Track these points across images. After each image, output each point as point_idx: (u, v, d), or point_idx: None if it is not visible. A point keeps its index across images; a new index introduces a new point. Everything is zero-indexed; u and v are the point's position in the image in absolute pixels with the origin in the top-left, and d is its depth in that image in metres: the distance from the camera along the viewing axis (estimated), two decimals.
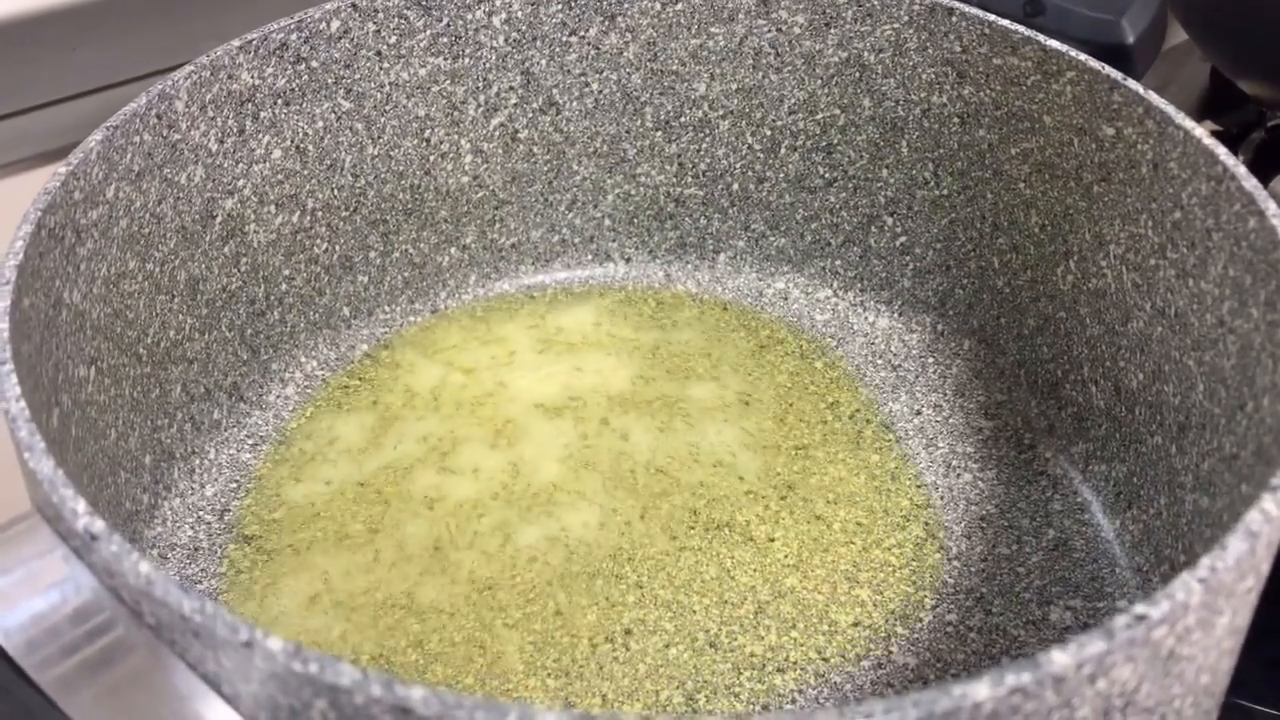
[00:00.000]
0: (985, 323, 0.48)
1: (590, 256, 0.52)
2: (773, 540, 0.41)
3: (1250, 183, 0.35)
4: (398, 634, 0.38)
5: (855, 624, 0.38)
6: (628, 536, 0.41)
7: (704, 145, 0.50)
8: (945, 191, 0.47)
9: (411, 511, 0.41)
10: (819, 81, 0.48)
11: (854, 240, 0.50)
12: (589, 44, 0.48)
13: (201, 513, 0.41)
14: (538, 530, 0.41)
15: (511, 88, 0.48)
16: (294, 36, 0.43)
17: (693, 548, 0.40)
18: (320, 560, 0.40)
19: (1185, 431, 0.38)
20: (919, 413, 0.46)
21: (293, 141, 0.44)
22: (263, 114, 0.43)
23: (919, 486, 0.43)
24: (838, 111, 0.48)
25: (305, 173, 0.45)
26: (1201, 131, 0.37)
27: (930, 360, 0.48)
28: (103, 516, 0.25)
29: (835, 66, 0.47)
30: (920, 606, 0.39)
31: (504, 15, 0.47)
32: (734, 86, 0.49)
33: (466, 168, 0.49)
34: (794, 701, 0.36)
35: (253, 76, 0.42)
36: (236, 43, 0.42)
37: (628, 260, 0.52)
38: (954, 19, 0.44)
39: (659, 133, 0.50)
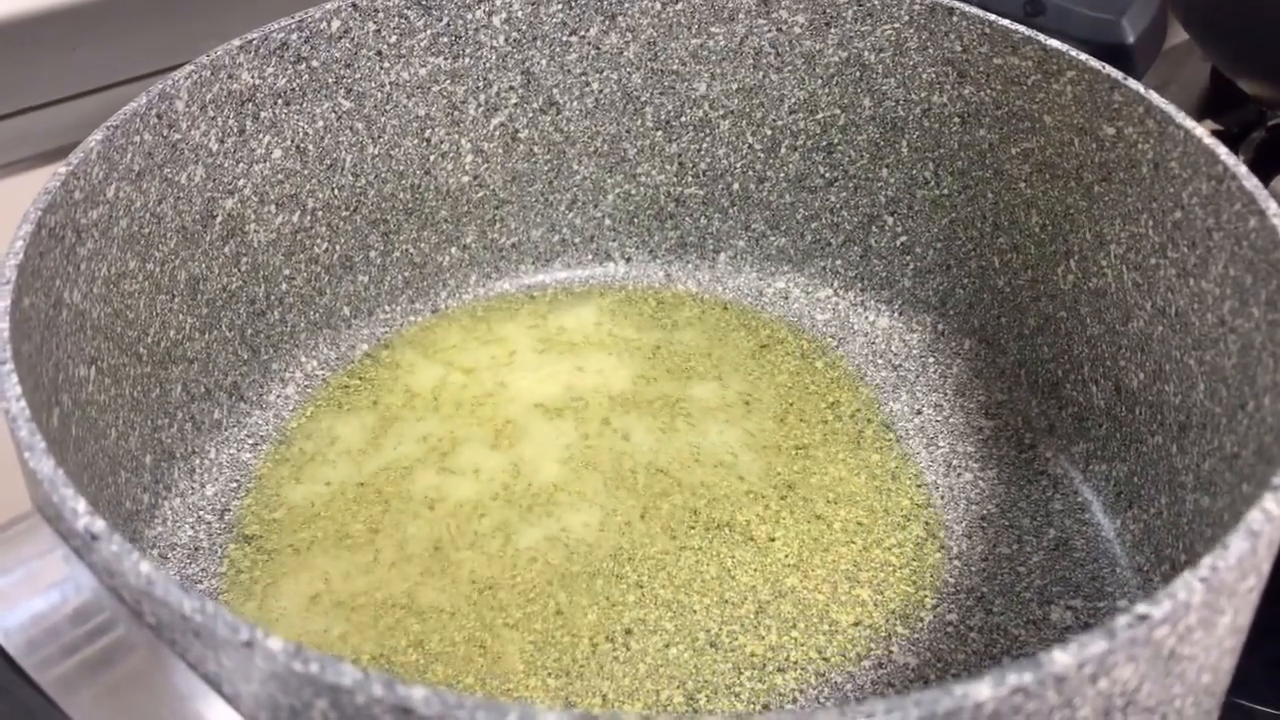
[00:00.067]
0: (986, 322, 0.48)
1: (591, 256, 0.52)
2: (773, 540, 0.41)
3: (1251, 182, 0.35)
4: (398, 634, 0.38)
5: (856, 623, 0.38)
6: (628, 536, 0.41)
7: (704, 145, 0.50)
8: (946, 191, 0.47)
9: (412, 512, 0.41)
10: (819, 81, 0.48)
11: (854, 240, 0.50)
12: (589, 44, 0.48)
13: (202, 512, 0.41)
14: (538, 530, 0.41)
15: (512, 87, 0.48)
16: (294, 36, 0.43)
17: (693, 547, 0.40)
18: (321, 560, 0.40)
19: (1186, 431, 0.38)
20: (919, 412, 0.46)
21: (293, 141, 0.44)
22: (263, 114, 0.43)
23: (919, 486, 0.43)
24: (838, 111, 0.48)
25: (305, 172, 0.45)
26: (1202, 131, 0.37)
27: (931, 360, 0.48)
28: (103, 516, 0.25)
29: (836, 66, 0.47)
30: (921, 606, 0.39)
31: (504, 15, 0.47)
32: (734, 86, 0.49)
33: (467, 167, 0.49)
34: (795, 701, 0.36)
35: (253, 76, 0.42)
36: (237, 42, 0.42)
37: (628, 260, 0.52)
38: (954, 19, 0.44)
39: (659, 132, 0.50)
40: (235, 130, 0.42)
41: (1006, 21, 0.43)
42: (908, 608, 0.39)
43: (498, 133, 0.49)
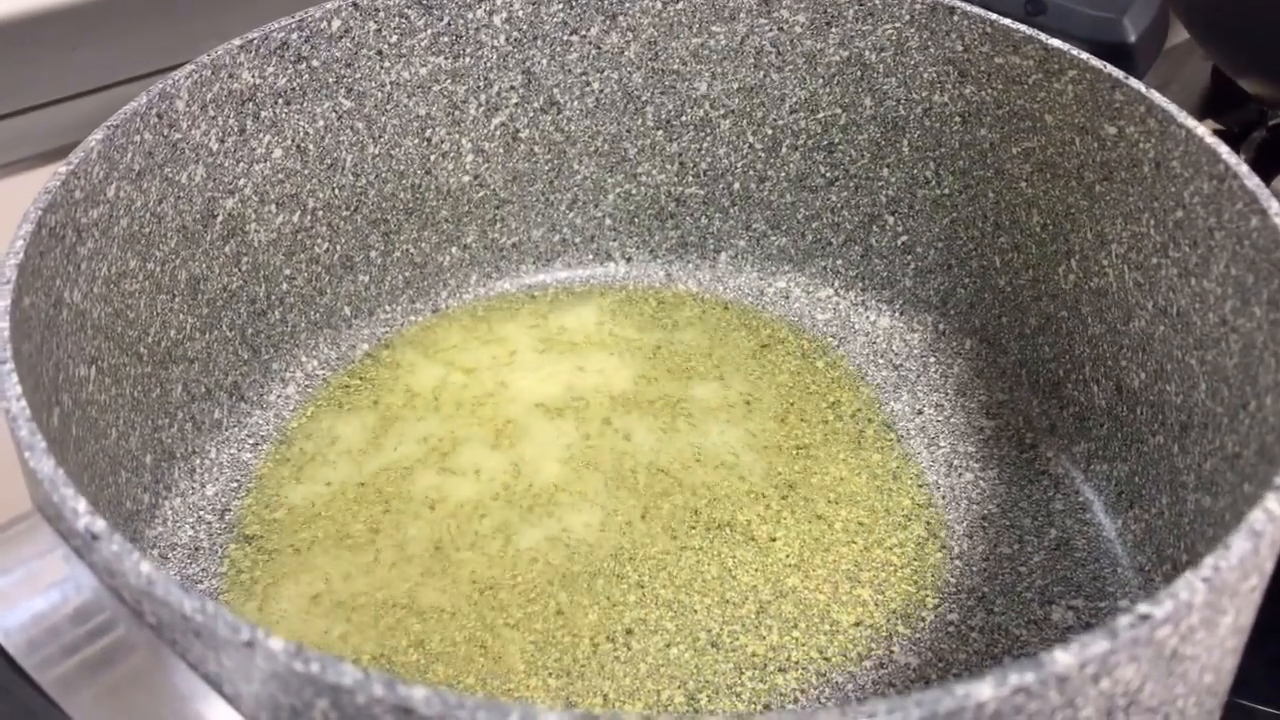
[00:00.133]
0: (987, 322, 0.48)
1: (591, 256, 0.52)
2: (774, 540, 0.41)
3: (1252, 181, 0.35)
4: (399, 634, 0.38)
5: (857, 623, 0.38)
6: (629, 536, 0.41)
7: (705, 144, 0.50)
8: (947, 190, 0.47)
9: (412, 512, 0.41)
10: (820, 80, 0.48)
11: (855, 239, 0.50)
12: (590, 43, 0.48)
13: (202, 512, 0.41)
14: (539, 531, 0.41)
15: (512, 87, 0.48)
16: (295, 35, 0.43)
17: (694, 547, 0.40)
18: (321, 560, 0.40)
19: (1187, 431, 0.38)
20: (921, 412, 0.46)
21: (293, 141, 0.44)
22: (264, 113, 0.43)
23: (920, 486, 0.43)
24: (839, 110, 0.48)
25: (306, 172, 0.45)
26: (1203, 130, 0.37)
27: (932, 359, 0.48)
28: (103, 516, 0.25)
29: (836, 65, 0.47)
30: (922, 606, 0.39)
31: (505, 14, 0.47)
32: (735, 85, 0.49)
33: (467, 167, 0.49)
34: (796, 701, 0.36)
35: (253, 76, 0.42)
36: (237, 42, 0.42)
37: (629, 260, 0.52)
38: (955, 18, 0.44)
39: (660, 132, 0.50)
40: (236, 130, 0.42)
41: (1008, 21, 0.43)
42: (909, 608, 0.39)
43: (498, 132, 0.49)
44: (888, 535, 0.41)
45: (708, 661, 0.37)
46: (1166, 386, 0.39)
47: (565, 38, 0.48)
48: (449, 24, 0.46)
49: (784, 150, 0.50)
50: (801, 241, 0.51)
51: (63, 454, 0.32)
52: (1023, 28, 0.43)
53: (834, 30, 0.47)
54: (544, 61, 0.48)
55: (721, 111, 0.49)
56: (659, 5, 0.47)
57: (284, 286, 0.45)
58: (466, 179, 0.49)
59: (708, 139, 0.50)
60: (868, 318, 0.50)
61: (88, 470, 0.35)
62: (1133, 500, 0.41)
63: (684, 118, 0.50)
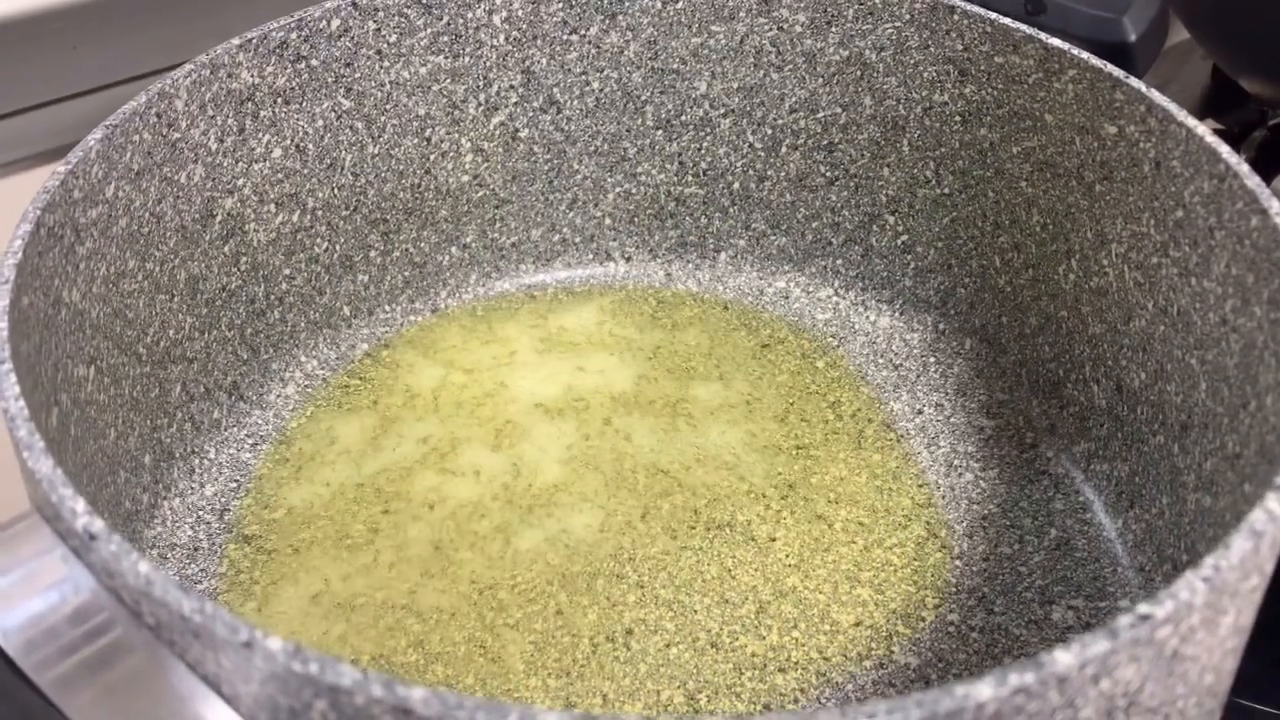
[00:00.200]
0: (987, 322, 0.48)
1: (591, 256, 0.52)
2: (774, 540, 0.41)
3: (1253, 181, 0.35)
4: (398, 634, 0.38)
5: (857, 624, 0.38)
6: (629, 536, 0.41)
7: (705, 144, 0.50)
8: (947, 190, 0.47)
9: (412, 513, 0.41)
10: (820, 80, 0.48)
11: (855, 239, 0.50)
12: (590, 43, 0.48)
13: (201, 512, 0.41)
14: (538, 531, 0.41)
15: (512, 86, 0.48)
16: (294, 35, 0.43)
17: (694, 547, 0.40)
18: (320, 561, 0.40)
19: (1188, 430, 0.38)
20: (920, 412, 0.46)
21: (293, 140, 0.44)
22: (263, 113, 0.43)
23: (920, 486, 0.43)
24: (839, 110, 0.48)
25: (305, 172, 0.45)
26: (1204, 130, 0.37)
27: (932, 359, 0.48)
28: (102, 516, 0.25)
29: (836, 65, 0.47)
30: (922, 606, 0.39)
31: (504, 14, 0.47)
32: (735, 85, 0.49)
33: (467, 167, 0.49)
34: (796, 701, 0.36)
35: (253, 75, 0.42)
36: (236, 41, 0.42)
37: (628, 259, 0.52)
38: (955, 17, 0.44)
39: (660, 131, 0.50)
40: (235, 129, 0.42)
41: (1008, 20, 0.43)
42: (909, 608, 0.39)
43: (498, 132, 0.49)
44: (888, 535, 0.41)
45: (707, 662, 0.37)
46: (1167, 386, 0.39)
47: (565, 37, 0.48)
48: (448, 23, 0.46)
49: (784, 150, 0.50)
50: (801, 241, 0.51)
51: (61, 454, 0.32)
52: (1023, 27, 0.43)
53: (834, 29, 0.47)
54: (543, 61, 0.48)
55: (721, 111, 0.49)
56: (658, 5, 0.47)
57: (283, 286, 0.45)
58: (466, 178, 0.49)
59: (707, 138, 0.50)
60: (868, 317, 0.50)
61: (86, 470, 0.35)
62: (1133, 500, 0.41)
63: (684, 117, 0.50)
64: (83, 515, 0.25)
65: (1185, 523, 0.38)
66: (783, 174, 0.50)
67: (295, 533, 0.41)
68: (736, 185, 0.51)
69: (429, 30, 0.46)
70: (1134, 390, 0.41)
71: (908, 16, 0.45)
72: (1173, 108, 0.38)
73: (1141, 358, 0.40)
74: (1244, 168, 0.35)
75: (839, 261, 0.51)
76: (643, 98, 0.49)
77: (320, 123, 0.45)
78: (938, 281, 0.49)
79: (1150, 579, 0.39)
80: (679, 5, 0.48)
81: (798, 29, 0.47)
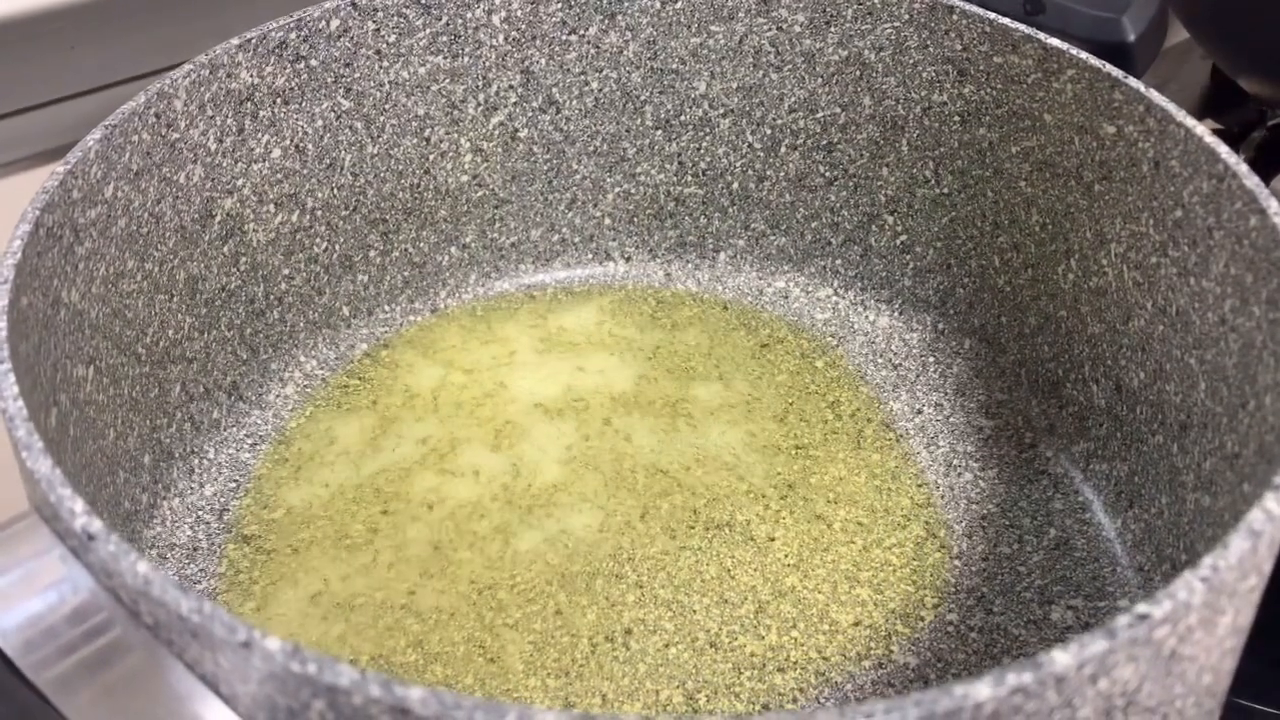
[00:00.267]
0: (986, 321, 0.48)
1: (590, 255, 0.52)
2: (773, 540, 0.41)
3: (1251, 181, 0.35)
4: (397, 634, 0.38)
5: (856, 623, 0.38)
6: (628, 536, 0.41)
7: (704, 144, 0.50)
8: (946, 190, 0.47)
9: (411, 513, 0.41)
10: (819, 80, 0.48)
11: (854, 239, 0.50)
12: (589, 43, 0.48)
13: (200, 512, 0.41)
14: (538, 532, 0.41)
15: (511, 86, 0.48)
16: (293, 35, 0.43)
17: (693, 547, 0.40)
18: (320, 561, 0.40)
19: (1187, 430, 0.38)
20: (920, 412, 0.46)
21: (292, 140, 0.44)
22: (262, 113, 0.43)
23: (920, 486, 0.43)
24: (838, 110, 0.48)
25: (304, 172, 0.45)
26: (1203, 130, 0.37)
27: (931, 359, 0.48)
28: (101, 516, 0.25)
29: (835, 65, 0.47)
30: (921, 606, 0.39)
31: (503, 14, 0.47)
32: (734, 85, 0.49)
33: (466, 166, 0.49)
34: (794, 701, 0.36)
35: (252, 75, 0.42)
36: (235, 41, 0.42)
37: (628, 259, 0.52)
38: (954, 17, 0.44)
39: (659, 131, 0.50)
40: (234, 129, 0.42)
41: (1007, 20, 0.43)
42: (908, 607, 0.39)
43: (497, 132, 0.49)
44: (887, 535, 0.41)
45: (706, 661, 0.37)
46: (1166, 386, 0.39)
47: (564, 37, 0.48)
48: (447, 23, 0.46)
49: (783, 150, 0.50)
50: (801, 241, 0.51)
51: (60, 454, 0.32)
52: (1022, 27, 0.43)
53: (833, 29, 0.47)
54: (542, 61, 0.48)
55: (720, 111, 0.49)
56: (657, 5, 0.47)
57: (282, 286, 0.45)
58: (465, 178, 0.49)
59: (707, 138, 0.50)
60: (867, 317, 0.50)
61: (85, 470, 0.35)
62: (1132, 500, 0.41)
63: (683, 117, 0.50)
64: (81, 515, 0.25)
65: (1184, 522, 0.38)
66: (782, 174, 0.50)
67: (294, 533, 0.41)
68: (736, 185, 0.51)
69: (428, 30, 0.46)
70: (1133, 390, 0.41)
71: (906, 16, 0.45)
72: (1171, 107, 0.38)
73: (1140, 357, 0.40)
74: (1243, 168, 0.35)
75: (838, 261, 0.51)
76: (642, 98, 0.49)
77: (319, 123, 0.45)
78: (937, 281, 0.49)
79: (1149, 579, 0.39)
80: (678, 5, 0.48)
81: (797, 29, 0.47)
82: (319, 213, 0.46)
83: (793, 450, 0.44)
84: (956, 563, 0.40)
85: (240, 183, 0.43)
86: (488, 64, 0.47)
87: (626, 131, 0.50)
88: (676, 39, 0.48)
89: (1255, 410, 0.33)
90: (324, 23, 0.44)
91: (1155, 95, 0.39)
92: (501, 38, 0.47)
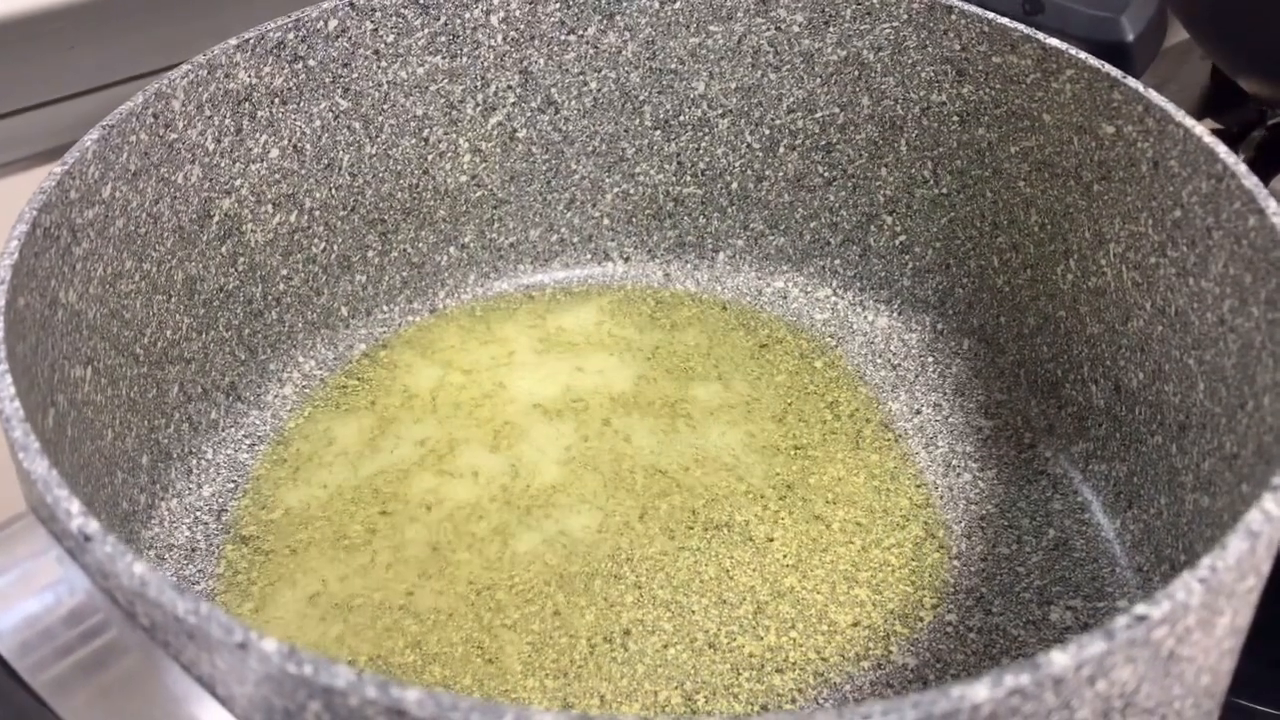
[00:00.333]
0: (985, 322, 0.48)
1: (589, 256, 0.52)
2: (772, 540, 0.41)
3: (1250, 181, 0.35)
4: (395, 635, 0.38)
5: (854, 624, 0.38)
6: (626, 537, 0.40)
7: (703, 144, 0.50)
8: (945, 190, 0.47)
9: (409, 514, 0.41)
10: (818, 80, 0.48)
11: (853, 239, 0.50)
12: (587, 43, 0.48)
13: (199, 513, 0.41)
14: (536, 532, 0.41)
15: (510, 86, 0.48)
16: (291, 35, 0.43)
17: (691, 548, 0.40)
18: (318, 561, 0.40)
19: (1186, 431, 0.38)
20: (919, 412, 0.46)
21: (290, 141, 0.44)
22: (260, 113, 0.43)
23: (918, 486, 0.43)
24: (837, 110, 0.48)
25: (303, 172, 0.45)
26: (1202, 130, 0.37)
27: (930, 359, 0.48)
28: (99, 517, 0.25)
29: (834, 65, 0.47)
30: (920, 606, 0.39)
31: (502, 14, 0.47)
32: (733, 85, 0.49)
33: (465, 167, 0.49)
34: (793, 702, 0.36)
35: (250, 75, 0.42)
36: (233, 41, 0.42)
37: (626, 259, 0.52)
38: (953, 17, 0.44)
39: (658, 131, 0.50)
40: (232, 130, 0.42)
41: (1005, 20, 0.43)
42: (906, 608, 0.39)
43: (495, 132, 0.48)
44: (886, 535, 0.41)
45: (705, 662, 0.37)
46: (1165, 386, 0.39)
47: (562, 37, 0.48)
48: (446, 23, 0.46)
49: (782, 150, 0.50)
50: (799, 241, 0.51)
51: (57, 455, 0.32)
52: (1020, 27, 0.43)
53: (832, 30, 0.47)
54: (541, 61, 0.48)
55: (719, 111, 0.49)
56: (656, 5, 0.47)
57: (281, 286, 0.45)
58: (464, 179, 0.49)
59: (705, 139, 0.50)
60: (866, 317, 0.50)
61: (83, 471, 0.35)
62: (1131, 500, 0.41)
63: (682, 117, 0.50)
64: (78, 516, 0.25)
65: (1183, 523, 0.38)
66: (781, 174, 0.50)
67: (293, 533, 0.41)
68: (735, 185, 0.51)
69: (426, 30, 0.46)
70: (1132, 390, 0.41)
71: (905, 16, 0.45)
72: (1170, 107, 0.38)
73: (1139, 358, 0.40)
74: (1242, 167, 0.35)
75: (837, 261, 0.51)
76: (641, 98, 0.49)
77: (318, 123, 0.45)
78: (936, 281, 0.49)
79: (1148, 579, 0.39)
80: (677, 5, 0.47)
81: (795, 29, 0.47)
82: (317, 213, 0.46)
83: (792, 450, 0.44)
84: (955, 563, 0.40)
85: (238, 183, 0.43)
86: (486, 64, 0.47)
87: (625, 132, 0.50)
88: (675, 39, 0.48)
89: (1254, 411, 0.33)
90: (322, 23, 0.44)
91: (1154, 95, 0.39)
92: (500, 38, 0.47)
